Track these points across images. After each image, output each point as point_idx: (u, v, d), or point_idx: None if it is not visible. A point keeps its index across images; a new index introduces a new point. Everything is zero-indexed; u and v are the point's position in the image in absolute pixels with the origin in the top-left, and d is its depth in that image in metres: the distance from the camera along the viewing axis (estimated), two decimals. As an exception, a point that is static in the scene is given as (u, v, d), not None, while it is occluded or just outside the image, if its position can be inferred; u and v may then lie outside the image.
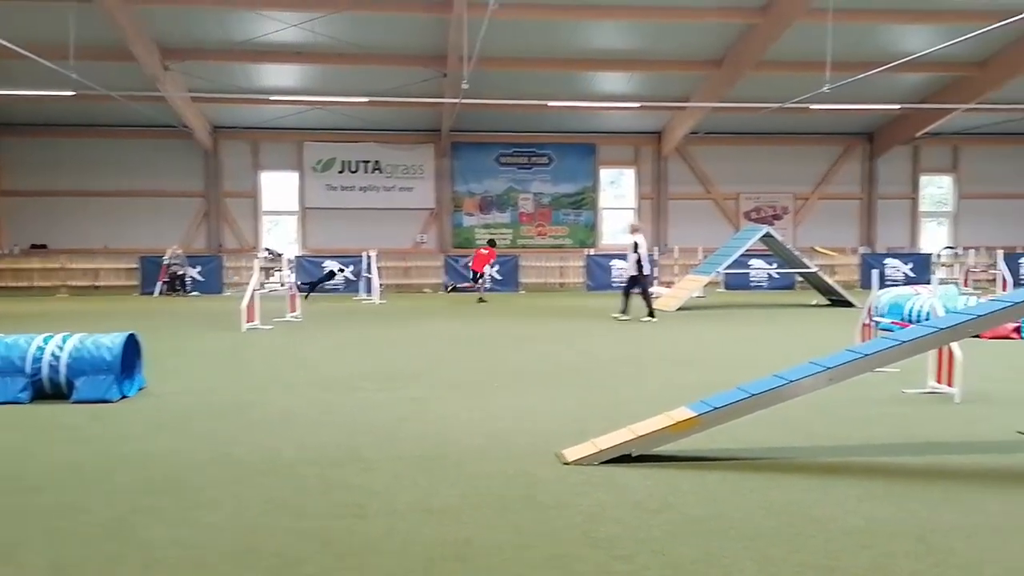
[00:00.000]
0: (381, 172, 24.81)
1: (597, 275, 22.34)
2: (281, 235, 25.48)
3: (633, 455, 5.32)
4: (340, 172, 24.79)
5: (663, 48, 19.73)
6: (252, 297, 13.15)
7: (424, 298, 20.57)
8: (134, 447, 5.70)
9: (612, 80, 21.69)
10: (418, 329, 13.39)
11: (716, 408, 5.41)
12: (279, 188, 25.17)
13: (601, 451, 5.31)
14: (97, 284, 22.78)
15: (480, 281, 19.47)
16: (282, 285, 16.08)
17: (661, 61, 20.38)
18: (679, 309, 16.21)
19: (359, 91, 20.01)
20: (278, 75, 21.20)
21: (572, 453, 5.35)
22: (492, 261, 19.90)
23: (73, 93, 17.03)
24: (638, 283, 14.14)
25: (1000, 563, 3.73)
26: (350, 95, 20.14)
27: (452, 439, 5.95)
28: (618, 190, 26.41)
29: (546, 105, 20.09)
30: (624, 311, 14.14)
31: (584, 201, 25.55)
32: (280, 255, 20.86)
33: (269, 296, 16.62)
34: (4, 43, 13.53)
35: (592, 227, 25.63)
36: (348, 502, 4.54)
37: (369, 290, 19.64)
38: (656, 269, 22.03)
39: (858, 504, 4.54)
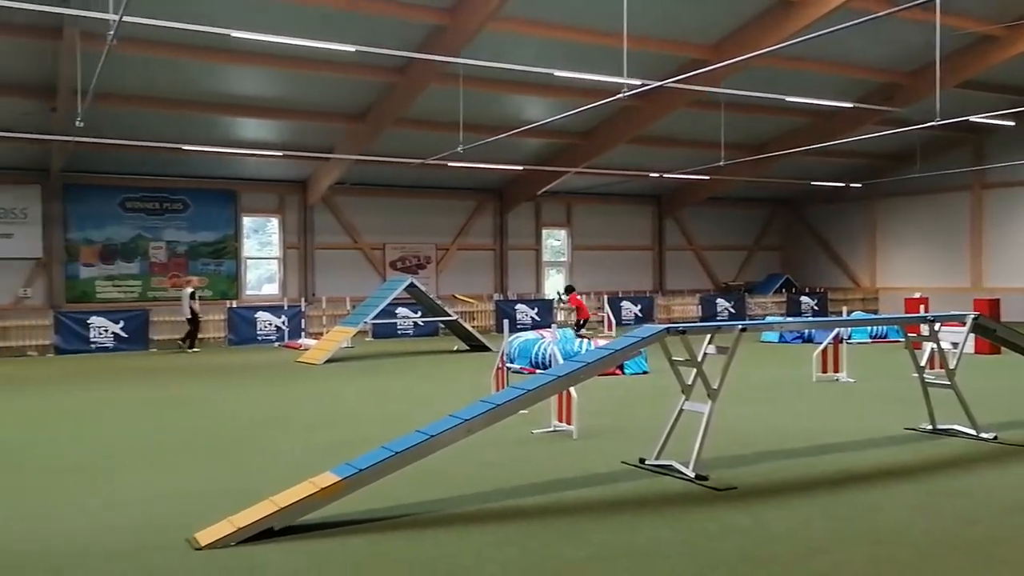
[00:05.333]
0: (-29, 216, 21.18)
1: (240, 328, 21.26)
2: None
3: (276, 529, 5.08)
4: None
5: (306, 98, 19.65)
6: None
7: (27, 363, 17.72)
8: None
9: (253, 126, 21.05)
10: (16, 403, 11.53)
11: (361, 470, 5.40)
12: None
13: (239, 529, 4.99)
14: None
15: (583, 328, 20.01)
16: None
17: (305, 112, 20.27)
18: (328, 361, 16.05)
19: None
20: None
21: (206, 536, 4.95)
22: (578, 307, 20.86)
23: None
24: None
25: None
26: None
27: (56, 534, 5.18)
28: (263, 238, 25.58)
29: (181, 149, 18.83)
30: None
31: (225, 250, 24.31)
32: None
33: None
34: None
35: (235, 278, 24.45)
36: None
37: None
38: (304, 320, 21.66)
39: (493, 551, 4.81)
